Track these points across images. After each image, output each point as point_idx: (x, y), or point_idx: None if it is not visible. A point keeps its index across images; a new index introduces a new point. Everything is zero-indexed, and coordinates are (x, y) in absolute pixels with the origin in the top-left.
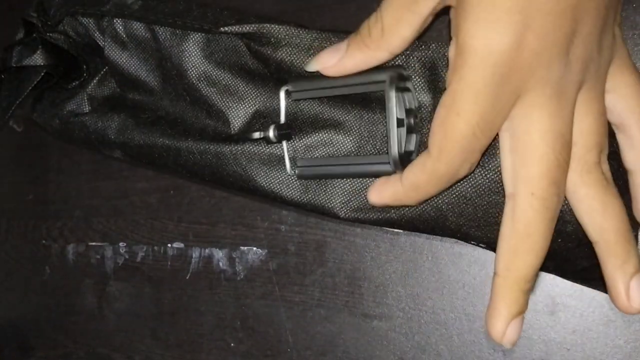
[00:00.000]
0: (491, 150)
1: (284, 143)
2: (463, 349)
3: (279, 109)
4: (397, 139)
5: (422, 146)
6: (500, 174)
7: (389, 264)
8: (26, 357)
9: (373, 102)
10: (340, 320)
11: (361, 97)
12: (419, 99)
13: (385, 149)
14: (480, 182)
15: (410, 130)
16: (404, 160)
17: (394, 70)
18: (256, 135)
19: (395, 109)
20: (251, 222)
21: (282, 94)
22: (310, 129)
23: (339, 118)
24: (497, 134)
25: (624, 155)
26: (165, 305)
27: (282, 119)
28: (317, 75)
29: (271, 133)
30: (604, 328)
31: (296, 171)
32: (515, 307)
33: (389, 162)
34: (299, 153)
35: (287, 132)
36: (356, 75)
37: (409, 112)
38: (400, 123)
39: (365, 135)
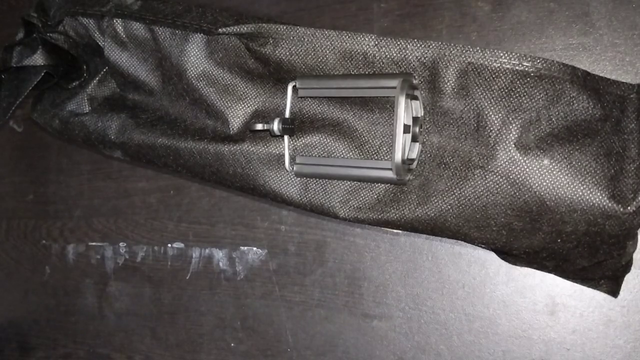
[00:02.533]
0: (490, 152)
1: (286, 138)
2: (463, 349)
3: (278, 109)
4: (401, 145)
5: (423, 154)
6: (499, 175)
7: (389, 264)
8: (26, 357)
9: (371, 103)
10: (340, 320)
11: (360, 97)
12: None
13: (384, 149)
14: (479, 183)
15: (414, 139)
16: (406, 167)
17: (405, 77)
18: (259, 126)
19: (403, 115)
20: (251, 222)
21: (289, 89)
22: (310, 128)
23: (339, 117)
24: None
25: None
26: (165, 305)
27: (287, 113)
28: (325, 75)
29: (275, 126)
30: (603, 328)
31: (294, 168)
32: None
33: (391, 169)
34: (298, 151)
35: (290, 127)
36: (366, 79)
37: (415, 120)
38: (406, 129)
39: (365, 135)
